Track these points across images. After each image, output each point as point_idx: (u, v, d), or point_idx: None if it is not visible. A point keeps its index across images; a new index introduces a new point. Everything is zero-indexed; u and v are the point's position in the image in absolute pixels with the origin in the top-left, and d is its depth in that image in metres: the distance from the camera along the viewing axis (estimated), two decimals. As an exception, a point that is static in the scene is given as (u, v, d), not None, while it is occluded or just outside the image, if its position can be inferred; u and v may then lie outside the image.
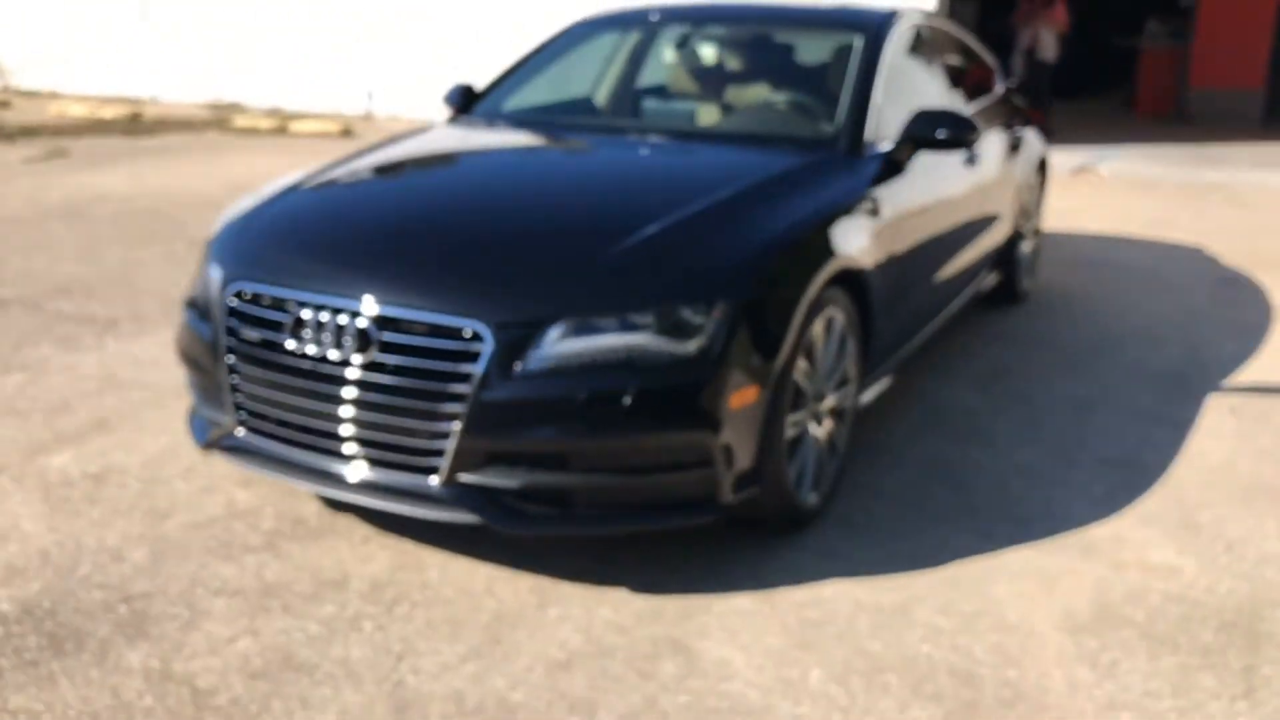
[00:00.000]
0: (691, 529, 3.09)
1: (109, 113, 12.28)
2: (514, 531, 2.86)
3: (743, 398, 2.83)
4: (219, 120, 12.14)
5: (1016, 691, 2.55)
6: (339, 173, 3.72)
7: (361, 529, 3.24)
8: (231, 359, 3.05)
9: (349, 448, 2.89)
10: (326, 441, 2.92)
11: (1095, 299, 5.93)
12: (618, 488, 2.82)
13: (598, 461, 2.78)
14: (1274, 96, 12.98)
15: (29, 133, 10.95)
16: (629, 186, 3.53)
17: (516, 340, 2.73)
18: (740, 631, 2.77)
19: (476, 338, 2.73)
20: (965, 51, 5.30)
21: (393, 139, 4.13)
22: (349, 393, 2.84)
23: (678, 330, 2.78)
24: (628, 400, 2.73)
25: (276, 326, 2.97)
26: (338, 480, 2.91)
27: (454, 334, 2.75)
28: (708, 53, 4.39)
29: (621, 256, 2.91)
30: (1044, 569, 3.10)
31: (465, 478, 2.78)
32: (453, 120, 4.40)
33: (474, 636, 2.73)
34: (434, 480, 2.80)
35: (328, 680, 2.56)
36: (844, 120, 3.80)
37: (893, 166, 3.74)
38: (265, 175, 8.98)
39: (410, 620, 2.80)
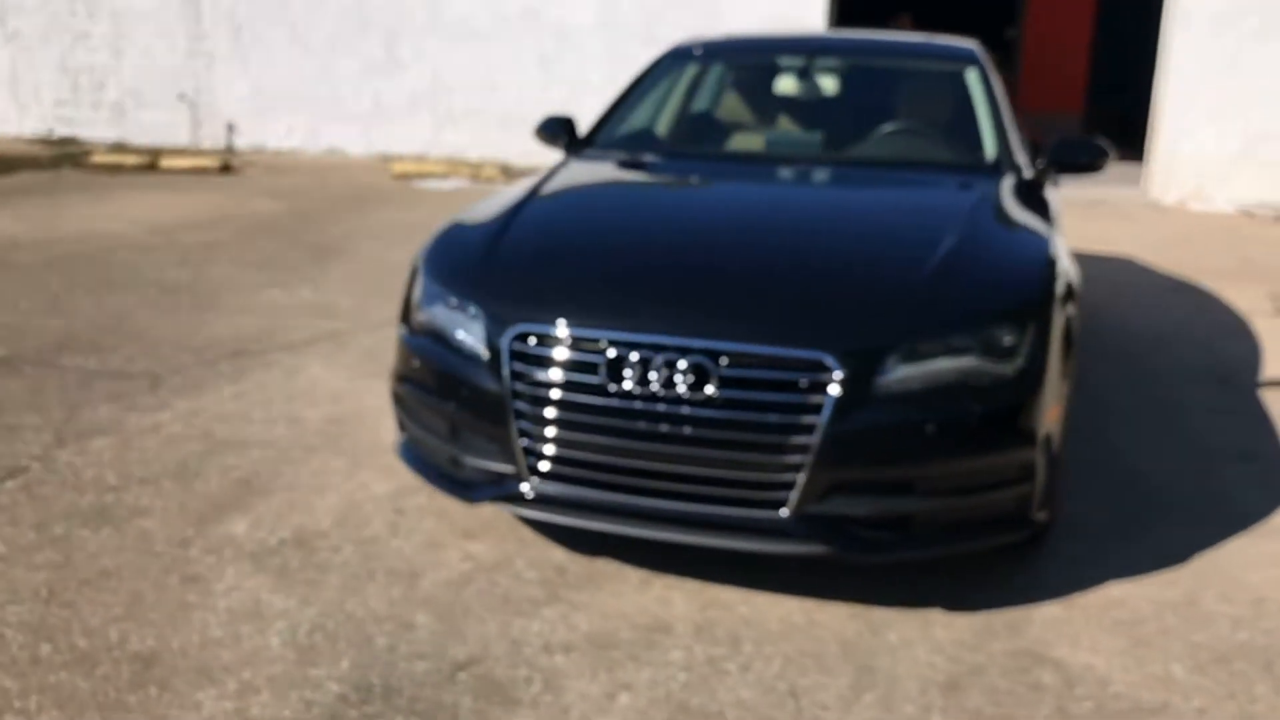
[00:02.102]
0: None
1: (-67, 150, 11.12)
2: (861, 559, 2.87)
3: (1052, 413, 2.96)
4: (66, 156, 11.19)
5: (1358, 666, 2.79)
6: (542, 206, 3.60)
7: (630, 572, 3.15)
8: (522, 405, 2.91)
9: (685, 487, 2.82)
10: (655, 483, 2.84)
11: (1086, 306, 6.38)
12: (951, 509, 2.88)
13: (938, 484, 2.84)
14: (1090, 119, 14.28)
15: None
16: (867, 213, 3.59)
17: (862, 369, 2.75)
18: (1078, 637, 2.88)
19: (826, 368, 2.73)
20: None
21: (548, 175, 3.98)
22: (686, 431, 2.78)
23: (998, 351, 2.87)
24: (967, 422, 2.80)
25: (585, 368, 2.86)
26: (672, 520, 2.84)
27: (803, 366, 2.74)
28: (828, 83, 4.51)
29: (933, 282, 2.98)
30: (1274, 555, 3.36)
31: (812, 509, 2.77)
32: (581, 154, 4.30)
33: (843, 668, 2.72)
34: (784, 512, 2.78)
35: (745, 726, 2.50)
36: (997, 147, 4.00)
37: (1038, 188, 3.97)
38: (179, 215, 8.42)
39: (768, 659, 2.75)
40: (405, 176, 10.50)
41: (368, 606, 2.95)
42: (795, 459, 2.74)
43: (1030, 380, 2.89)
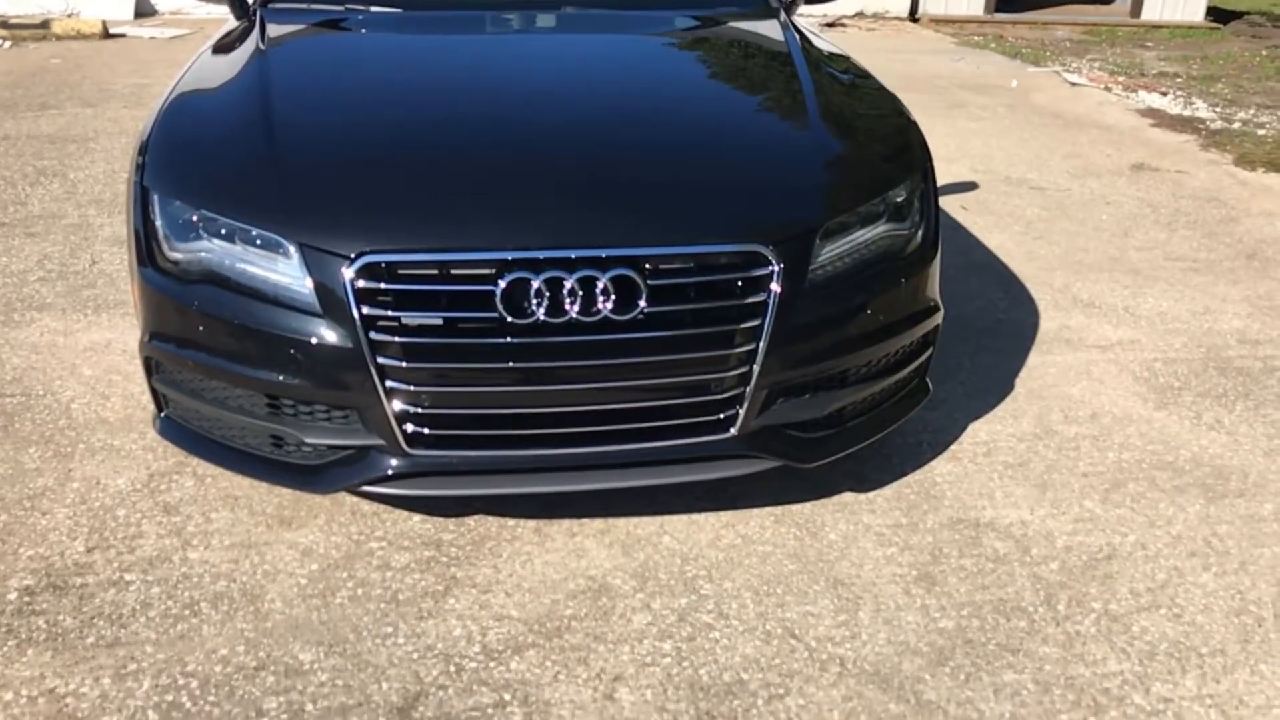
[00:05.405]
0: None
1: None
2: (812, 464, 2.56)
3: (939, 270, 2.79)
4: None
5: (1167, 445, 2.99)
6: (300, 88, 2.74)
7: (517, 526, 2.64)
8: (387, 360, 2.23)
9: (617, 425, 2.34)
10: (581, 428, 2.33)
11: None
12: (874, 393, 2.65)
13: (868, 369, 2.59)
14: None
15: None
16: (699, 72, 3.10)
17: (797, 256, 2.38)
18: (990, 493, 2.83)
19: (765, 261, 2.33)
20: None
21: (253, 40, 3.02)
22: (615, 361, 2.27)
23: (898, 213, 2.63)
24: (892, 295, 2.57)
25: (472, 301, 2.22)
26: (608, 466, 2.37)
27: (740, 263, 2.32)
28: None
29: (829, 151, 2.66)
30: (1070, 365, 3.53)
31: (760, 421, 2.42)
32: (270, 9, 3.32)
33: (815, 587, 2.45)
34: (734, 431, 2.40)
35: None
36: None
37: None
38: None
39: (737, 597, 2.41)
40: None
41: (220, 658, 2.21)
42: (741, 370, 2.35)
43: (930, 240, 2.70)
